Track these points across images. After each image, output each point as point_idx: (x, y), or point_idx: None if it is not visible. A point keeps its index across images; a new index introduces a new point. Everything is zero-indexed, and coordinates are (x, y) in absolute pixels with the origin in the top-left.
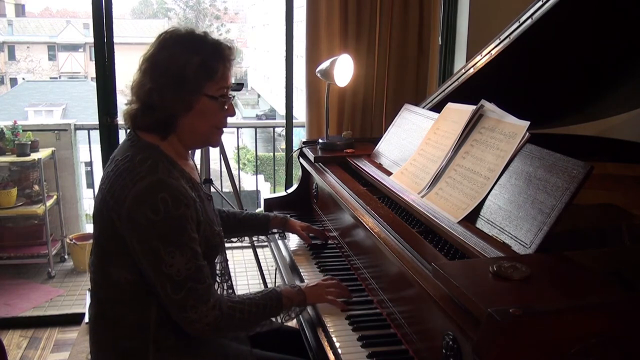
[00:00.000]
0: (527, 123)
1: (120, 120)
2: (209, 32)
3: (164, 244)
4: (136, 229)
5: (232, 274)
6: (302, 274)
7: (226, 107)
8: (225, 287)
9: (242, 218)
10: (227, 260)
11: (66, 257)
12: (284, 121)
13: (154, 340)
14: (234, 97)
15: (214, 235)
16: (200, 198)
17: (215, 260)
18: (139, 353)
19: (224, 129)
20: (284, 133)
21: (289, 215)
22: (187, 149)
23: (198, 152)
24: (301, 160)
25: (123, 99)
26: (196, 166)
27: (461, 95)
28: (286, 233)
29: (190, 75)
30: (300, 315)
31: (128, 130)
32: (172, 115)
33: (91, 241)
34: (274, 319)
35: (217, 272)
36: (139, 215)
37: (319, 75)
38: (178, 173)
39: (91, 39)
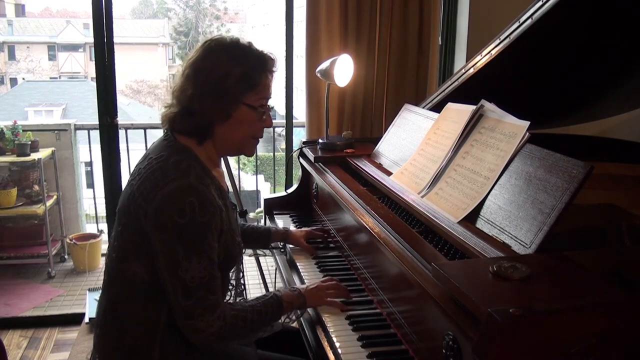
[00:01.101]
0: (527, 123)
1: (120, 120)
2: (253, 43)
3: (184, 248)
4: (160, 228)
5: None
6: (302, 274)
7: (264, 117)
8: (237, 298)
9: (243, 231)
10: (242, 272)
11: (66, 257)
12: (284, 121)
13: (161, 341)
14: (272, 108)
15: (234, 245)
16: (225, 207)
17: (232, 270)
18: (144, 352)
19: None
20: (284, 133)
21: (290, 223)
22: (220, 155)
23: None
24: (301, 160)
25: (123, 99)
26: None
27: (461, 95)
28: (286, 247)
29: (232, 85)
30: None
31: (164, 131)
32: (211, 122)
33: (91, 241)
34: (275, 323)
35: (232, 281)
36: (165, 215)
37: (319, 75)
38: (209, 180)
39: (91, 39)
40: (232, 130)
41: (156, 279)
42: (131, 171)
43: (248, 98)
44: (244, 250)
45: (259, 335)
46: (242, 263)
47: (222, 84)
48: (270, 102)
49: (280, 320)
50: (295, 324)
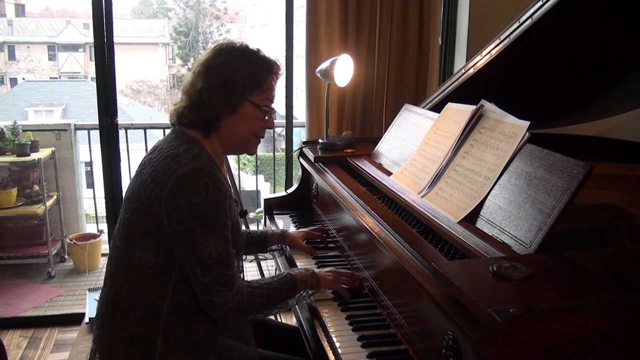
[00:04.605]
0: (527, 123)
1: (120, 120)
2: (261, 49)
3: (201, 226)
4: (176, 209)
5: None
6: None
7: (267, 117)
8: None
9: None
10: (241, 266)
11: (66, 257)
12: (284, 121)
13: (164, 328)
14: (275, 111)
15: (238, 236)
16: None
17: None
18: (148, 341)
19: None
20: (284, 133)
21: (290, 224)
22: (224, 151)
23: None
24: (301, 160)
25: (123, 99)
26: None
27: (461, 95)
28: (285, 248)
29: (240, 81)
30: (305, 304)
31: (173, 126)
32: (217, 115)
33: (91, 241)
34: (288, 301)
35: None
36: (181, 196)
37: (319, 75)
38: (217, 169)
39: (91, 39)
40: (237, 126)
41: (164, 262)
42: (140, 164)
43: (254, 96)
44: (244, 257)
45: (274, 312)
46: (241, 257)
47: (231, 79)
48: (273, 106)
49: (293, 301)
50: (295, 323)
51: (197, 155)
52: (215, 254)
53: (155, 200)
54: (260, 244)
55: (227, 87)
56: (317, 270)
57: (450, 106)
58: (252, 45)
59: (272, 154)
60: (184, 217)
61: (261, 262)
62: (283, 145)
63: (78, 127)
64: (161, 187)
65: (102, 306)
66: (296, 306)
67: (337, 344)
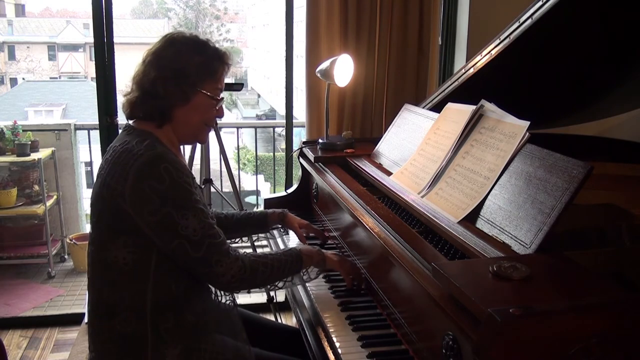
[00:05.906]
0: (527, 123)
1: (120, 120)
2: (210, 40)
3: (176, 208)
4: (145, 201)
5: None
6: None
7: (217, 107)
8: None
9: (239, 217)
10: None
11: (66, 257)
12: (284, 121)
13: (152, 323)
14: (224, 101)
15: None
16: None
17: None
18: (138, 338)
19: (222, 131)
20: (284, 133)
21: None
22: (179, 141)
23: (198, 152)
24: (301, 160)
25: (123, 99)
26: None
27: (461, 95)
28: (286, 230)
29: (192, 71)
30: (306, 304)
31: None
32: (170, 104)
33: None
34: (294, 278)
35: None
36: (145, 187)
37: (319, 75)
38: (174, 155)
39: (91, 39)
40: (190, 115)
41: (139, 256)
42: (98, 168)
43: (205, 86)
44: (243, 239)
45: (280, 287)
46: None
47: (184, 69)
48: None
49: (299, 279)
50: (295, 324)
51: (151, 144)
52: (199, 229)
53: (120, 198)
54: (260, 223)
55: (180, 76)
56: (323, 250)
57: (450, 106)
58: (202, 36)
59: (272, 154)
60: (156, 206)
61: (257, 250)
62: (283, 145)
63: (78, 127)
64: (122, 183)
65: (89, 312)
66: (296, 306)
67: (337, 344)
